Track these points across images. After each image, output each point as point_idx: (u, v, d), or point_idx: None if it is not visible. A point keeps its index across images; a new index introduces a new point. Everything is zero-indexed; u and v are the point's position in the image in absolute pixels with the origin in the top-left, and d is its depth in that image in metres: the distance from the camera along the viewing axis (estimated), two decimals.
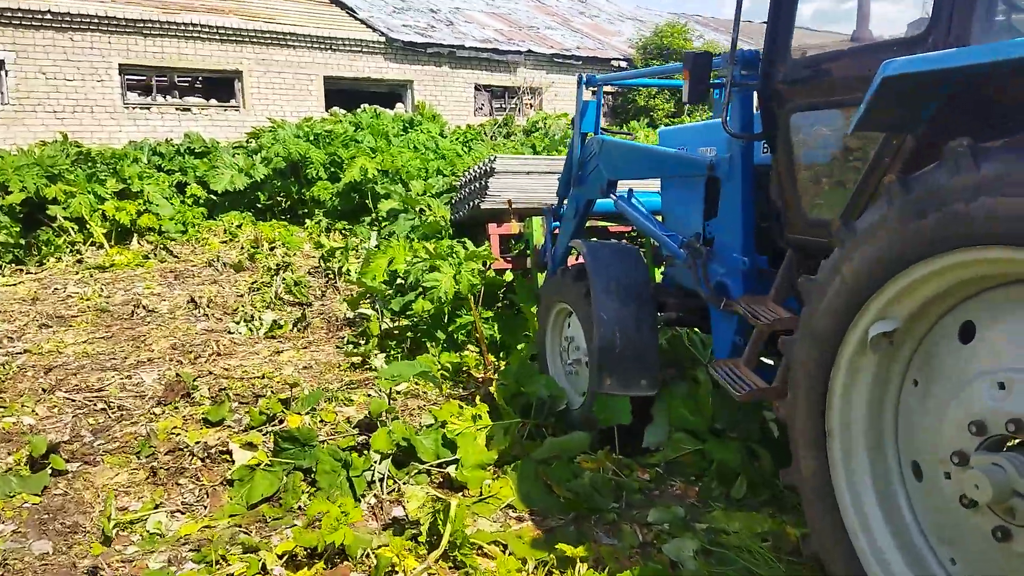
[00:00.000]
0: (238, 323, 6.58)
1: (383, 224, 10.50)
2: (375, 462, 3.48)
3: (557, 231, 5.40)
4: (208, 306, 7.15)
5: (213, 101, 15.23)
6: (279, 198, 11.85)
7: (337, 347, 5.98)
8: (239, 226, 10.86)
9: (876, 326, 2.06)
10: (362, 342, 5.81)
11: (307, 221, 11.43)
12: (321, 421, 4.28)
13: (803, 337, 2.26)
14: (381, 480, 3.46)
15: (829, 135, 2.68)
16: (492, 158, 7.10)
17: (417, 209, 9.18)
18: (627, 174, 4.44)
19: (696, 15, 28.39)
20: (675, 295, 3.95)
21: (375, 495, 3.41)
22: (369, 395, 4.77)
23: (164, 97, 15.00)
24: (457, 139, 15.58)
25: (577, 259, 4.88)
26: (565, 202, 5.23)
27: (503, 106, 18.84)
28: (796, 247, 2.91)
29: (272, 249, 9.77)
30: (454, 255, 5.22)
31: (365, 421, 4.16)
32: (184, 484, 3.65)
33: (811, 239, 2.78)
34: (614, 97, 21.06)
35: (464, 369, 5.08)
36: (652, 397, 3.62)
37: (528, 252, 6.43)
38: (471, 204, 7.26)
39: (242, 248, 9.64)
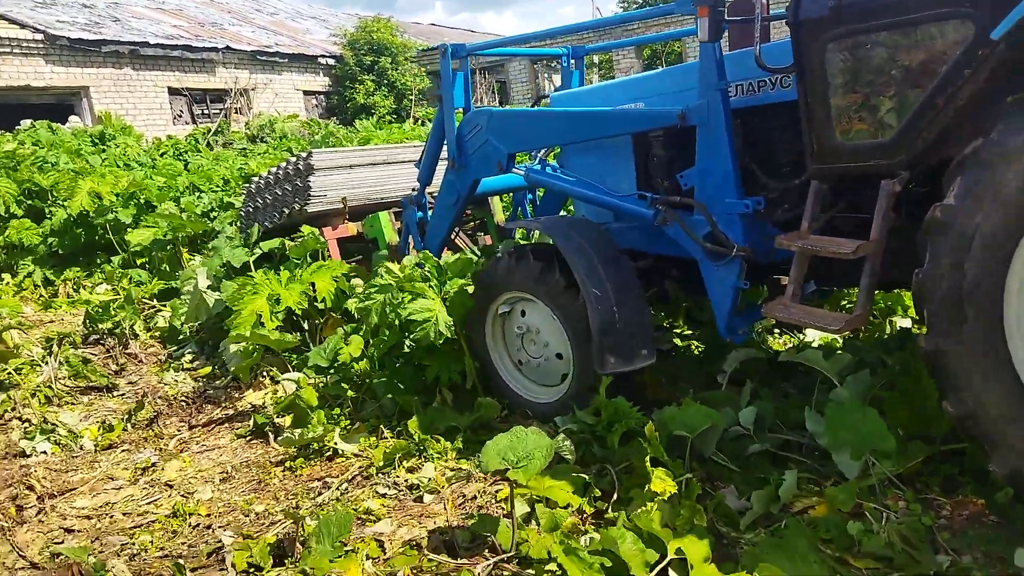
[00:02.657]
0: (32, 438, 4.18)
1: (140, 262, 7.99)
2: None
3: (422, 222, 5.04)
4: None
5: None
6: None
7: (239, 436, 4.04)
8: None
9: None
10: (281, 422, 3.98)
11: (4, 276, 8.28)
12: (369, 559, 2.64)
13: (960, 257, 2.27)
14: None
15: (878, 59, 2.65)
16: (307, 153, 5.81)
17: (220, 232, 7.01)
18: (540, 142, 4.26)
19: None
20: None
21: None
22: (383, 495, 3.16)
23: None
24: (164, 152, 12.85)
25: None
26: (429, 190, 5.00)
27: (206, 112, 16.06)
28: (824, 177, 2.89)
29: None
30: (431, 274, 3.71)
31: (446, 541, 2.66)
32: None
33: (848, 165, 2.79)
34: (328, 97, 19.40)
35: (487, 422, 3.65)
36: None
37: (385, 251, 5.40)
38: (285, 210, 5.89)
39: None
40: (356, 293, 4.78)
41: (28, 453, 4.04)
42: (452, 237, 5.32)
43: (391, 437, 3.65)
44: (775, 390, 3.57)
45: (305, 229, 5.24)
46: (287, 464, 3.59)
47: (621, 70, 18.60)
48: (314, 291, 4.76)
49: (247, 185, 6.86)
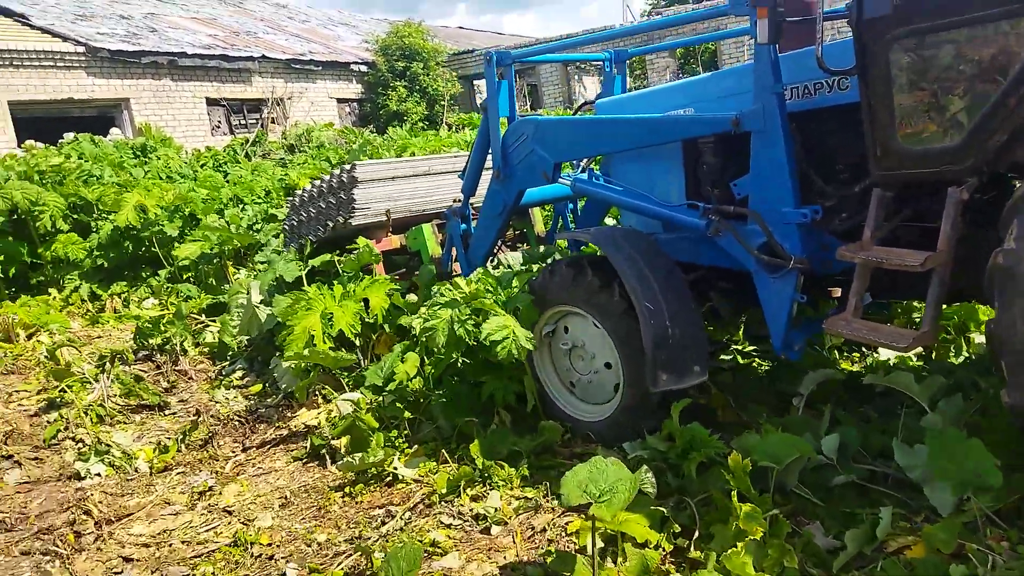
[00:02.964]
0: (86, 460, 4.17)
1: (186, 276, 8.03)
2: None
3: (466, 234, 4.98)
4: (5, 443, 4.51)
5: None
6: None
7: (295, 458, 3.98)
8: None
9: None
10: (338, 444, 3.90)
11: (52, 291, 8.36)
12: None
13: None
14: None
15: (946, 58, 2.54)
16: (350, 166, 5.75)
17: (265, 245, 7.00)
18: (588, 151, 4.12)
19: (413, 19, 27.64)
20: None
21: None
22: (448, 525, 3.06)
23: None
24: (203, 164, 12.95)
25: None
26: (474, 200, 4.93)
27: (243, 122, 16.18)
28: (887, 184, 2.77)
29: (31, 336, 6.83)
30: (496, 291, 3.60)
31: None
32: None
33: (912, 171, 2.68)
34: (361, 104, 19.46)
35: (549, 447, 3.54)
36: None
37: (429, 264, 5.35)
38: (329, 224, 5.85)
39: None
40: (411, 309, 4.72)
41: (83, 475, 4.03)
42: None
43: (452, 462, 3.56)
44: (853, 413, 3.41)
45: (360, 241, 5.18)
46: (347, 490, 3.51)
47: (656, 70, 18.38)
48: (367, 307, 4.70)
49: (290, 198, 6.83)
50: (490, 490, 3.24)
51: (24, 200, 8.19)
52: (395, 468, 3.55)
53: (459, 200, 5.08)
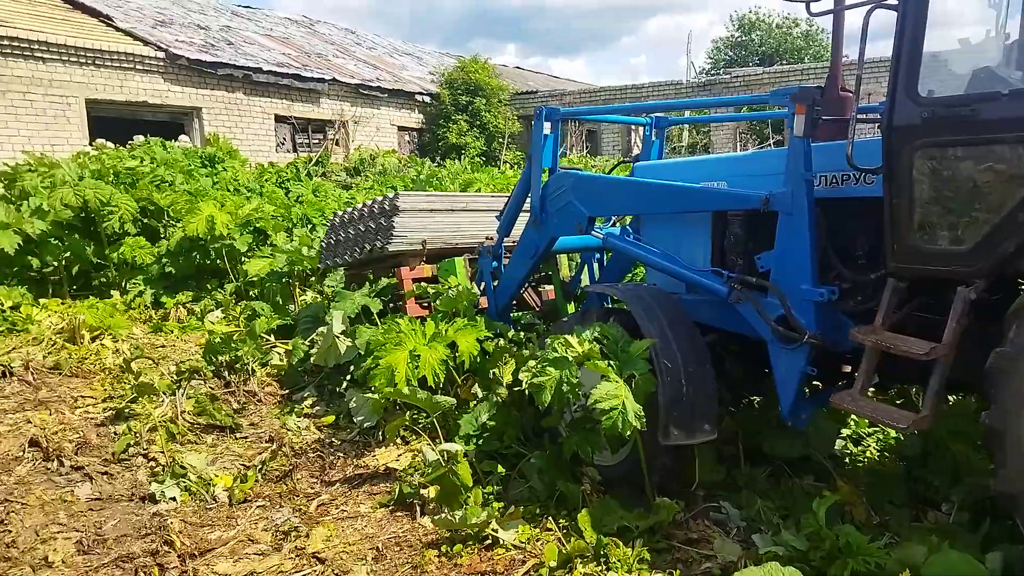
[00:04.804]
0: (161, 482, 3.99)
1: (252, 292, 7.94)
2: None
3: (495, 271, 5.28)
4: (76, 454, 4.36)
5: None
6: (60, 263, 8.40)
7: (381, 504, 3.76)
8: (15, 307, 7.47)
9: None
10: (427, 493, 3.68)
11: (115, 294, 8.31)
12: None
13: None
14: None
15: (965, 170, 2.72)
16: (393, 194, 5.99)
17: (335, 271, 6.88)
18: (621, 209, 4.49)
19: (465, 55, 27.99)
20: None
21: None
22: None
23: None
24: (267, 179, 12.99)
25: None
26: (507, 240, 5.24)
27: (307, 141, 16.30)
28: (901, 275, 2.96)
29: (95, 338, 6.74)
30: (611, 345, 3.39)
31: None
32: None
33: (926, 268, 2.87)
34: (420, 134, 19.57)
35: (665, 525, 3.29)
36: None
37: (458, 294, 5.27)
38: (367, 247, 6.04)
39: (50, 343, 6.49)
40: (497, 357, 4.55)
41: (157, 498, 3.85)
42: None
43: (556, 529, 3.32)
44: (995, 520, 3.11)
45: (451, 280, 5.09)
46: (443, 548, 3.28)
47: (722, 129, 18.30)
48: (454, 350, 4.53)
49: (331, 218, 6.98)
50: (607, 570, 2.99)
51: (96, 200, 8.19)
52: (494, 531, 3.31)
53: (493, 238, 5.35)
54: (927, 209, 2.84)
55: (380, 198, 6.15)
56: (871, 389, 3.37)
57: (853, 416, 4.20)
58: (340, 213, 6.73)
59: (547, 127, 4.73)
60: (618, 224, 5.19)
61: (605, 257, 5.41)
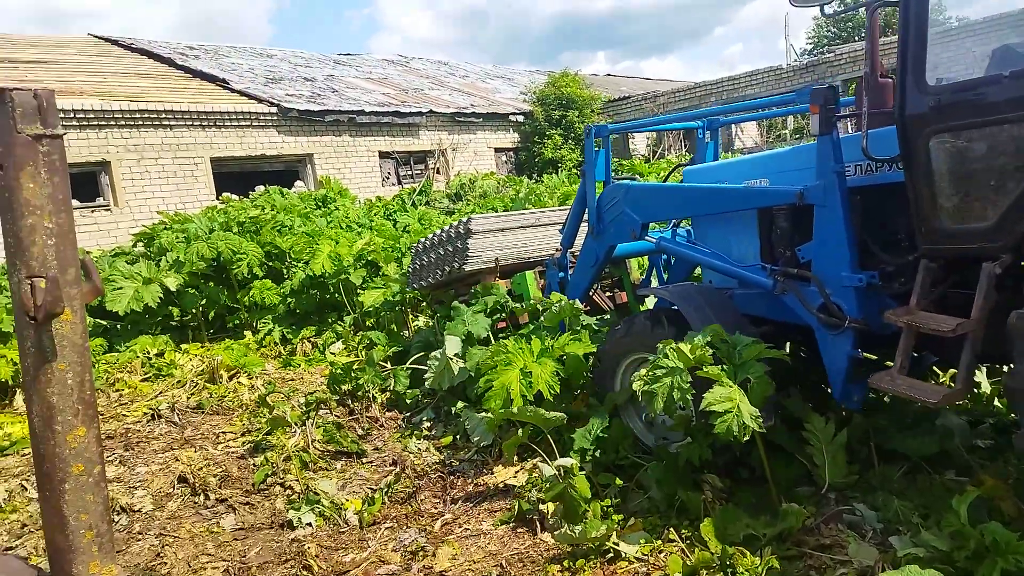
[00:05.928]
0: (297, 508, 4.23)
1: (369, 322, 8.30)
2: None
3: (562, 281, 5.60)
4: (220, 487, 4.69)
5: (73, 203, 12.15)
6: (197, 310, 9.10)
7: (502, 521, 3.83)
8: (160, 354, 8.13)
9: None
10: (546, 509, 3.71)
11: (247, 334, 8.89)
12: None
13: None
14: None
15: (978, 152, 2.80)
16: (467, 219, 6.39)
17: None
18: (670, 214, 4.64)
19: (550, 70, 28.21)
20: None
21: None
22: None
23: None
24: (376, 213, 13.54)
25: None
26: (570, 252, 5.56)
27: (410, 173, 16.92)
28: (933, 256, 3.04)
29: (232, 377, 7.24)
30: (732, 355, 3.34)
31: None
32: None
33: (953, 247, 2.95)
34: (516, 153, 19.86)
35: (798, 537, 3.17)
36: None
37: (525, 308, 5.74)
38: (447, 269, 6.50)
39: (192, 384, 7.02)
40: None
41: (294, 525, 4.07)
42: (591, 294, 5.79)
43: (678, 540, 3.26)
44: None
45: (554, 296, 5.13)
46: (565, 563, 3.29)
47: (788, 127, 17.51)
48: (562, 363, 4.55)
49: (415, 245, 7.36)
50: None
51: (227, 250, 8.82)
52: (615, 544, 3.29)
53: (559, 251, 5.68)
54: (946, 192, 2.93)
55: (455, 223, 6.56)
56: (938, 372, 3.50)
57: (996, 404, 3.93)
58: (422, 240, 7.14)
59: (597, 143, 5.06)
60: (664, 228, 5.30)
61: (672, 259, 5.52)
